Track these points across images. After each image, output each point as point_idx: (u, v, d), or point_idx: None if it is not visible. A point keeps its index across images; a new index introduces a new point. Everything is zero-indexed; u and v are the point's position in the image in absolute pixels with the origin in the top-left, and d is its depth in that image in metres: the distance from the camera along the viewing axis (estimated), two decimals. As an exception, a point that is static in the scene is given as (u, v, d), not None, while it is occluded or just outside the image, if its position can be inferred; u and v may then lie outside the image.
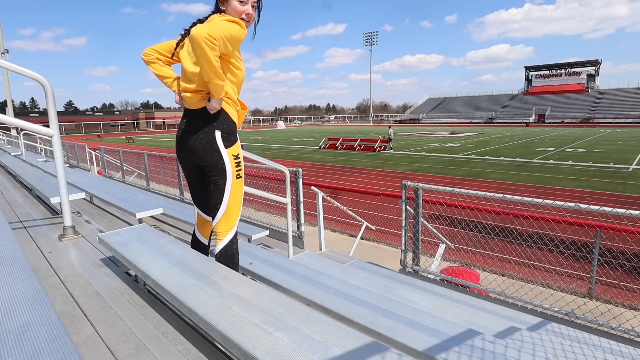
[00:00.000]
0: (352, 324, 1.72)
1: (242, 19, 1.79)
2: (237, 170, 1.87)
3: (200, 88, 1.78)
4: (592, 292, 4.34)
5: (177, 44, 1.92)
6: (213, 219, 1.96)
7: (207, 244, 2.22)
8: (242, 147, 2.00)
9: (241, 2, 1.79)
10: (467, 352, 1.47)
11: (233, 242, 1.96)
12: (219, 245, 1.93)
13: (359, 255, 5.43)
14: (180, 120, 1.97)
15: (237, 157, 1.87)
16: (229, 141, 1.83)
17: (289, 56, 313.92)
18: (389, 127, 27.42)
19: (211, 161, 1.82)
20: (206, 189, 1.98)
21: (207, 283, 1.68)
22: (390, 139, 24.31)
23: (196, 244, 2.21)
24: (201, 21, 1.85)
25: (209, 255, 2.23)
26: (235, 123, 1.89)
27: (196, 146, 1.81)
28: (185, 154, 1.91)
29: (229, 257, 1.94)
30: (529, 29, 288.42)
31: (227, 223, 1.92)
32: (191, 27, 1.85)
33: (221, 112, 1.82)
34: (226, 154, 1.82)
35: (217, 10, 1.85)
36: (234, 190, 1.88)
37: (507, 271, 5.18)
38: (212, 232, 2.15)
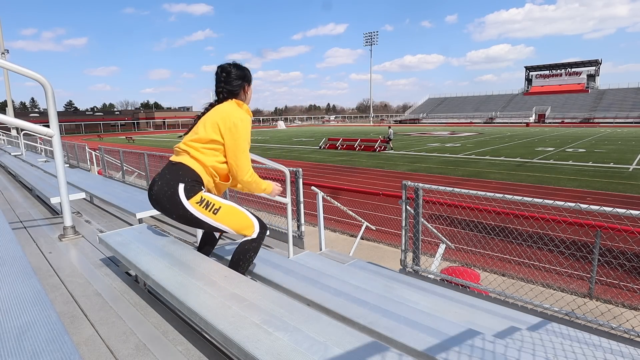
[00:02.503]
0: (352, 324, 1.72)
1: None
2: (209, 210, 1.90)
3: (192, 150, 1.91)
4: (592, 292, 4.33)
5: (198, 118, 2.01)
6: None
7: (216, 237, 2.30)
8: None
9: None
10: (467, 352, 1.47)
11: (257, 240, 2.02)
12: (241, 240, 2.02)
13: (359, 255, 5.43)
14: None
15: (201, 201, 1.89)
16: (192, 192, 1.87)
17: (290, 56, 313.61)
18: (389, 127, 27.51)
19: (179, 214, 1.88)
20: (205, 227, 2.04)
21: (207, 283, 1.68)
22: (390, 139, 24.37)
23: (206, 236, 2.29)
24: (212, 105, 2.00)
25: (211, 253, 2.30)
26: (201, 181, 1.92)
27: (161, 198, 1.88)
28: (155, 206, 1.95)
29: (251, 247, 2.00)
30: (530, 29, 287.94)
31: (245, 234, 1.99)
32: (209, 107, 1.99)
33: (188, 168, 1.88)
34: (189, 204, 1.86)
35: (232, 96, 2.00)
36: (222, 220, 1.92)
37: (507, 271, 5.18)
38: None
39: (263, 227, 2.03)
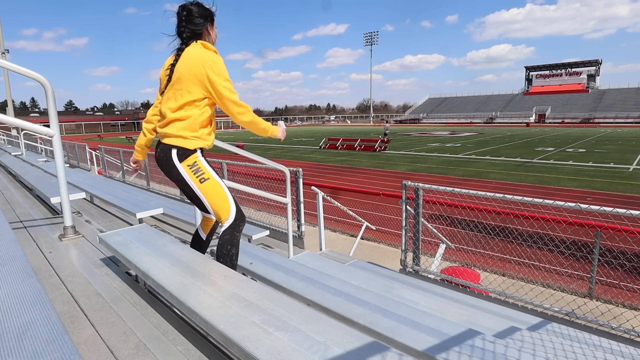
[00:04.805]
0: (353, 324, 1.72)
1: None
2: (198, 177, 1.95)
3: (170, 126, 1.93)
4: (592, 292, 4.33)
5: (166, 85, 1.96)
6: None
7: (204, 238, 2.28)
8: (242, 147, 2.03)
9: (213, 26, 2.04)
10: (468, 352, 1.47)
11: (230, 230, 2.02)
12: (221, 229, 2.05)
13: (359, 255, 5.43)
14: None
15: (193, 165, 1.95)
16: (184, 156, 1.94)
17: (290, 56, 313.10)
18: (386, 121, 28.31)
19: (172, 175, 1.97)
20: (189, 194, 2.13)
21: (207, 283, 1.68)
22: (386, 133, 25.06)
23: (196, 238, 2.29)
24: (180, 50, 1.93)
25: (207, 251, 2.29)
26: (187, 148, 1.94)
27: (160, 164, 1.99)
28: (160, 169, 2.05)
29: (225, 240, 2.02)
30: (530, 29, 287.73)
31: (220, 216, 2.02)
32: (177, 54, 1.94)
33: (176, 138, 1.92)
34: (181, 167, 1.93)
35: (196, 37, 1.95)
36: (205, 192, 1.97)
37: (507, 271, 5.18)
38: (211, 229, 2.27)
39: (240, 218, 2.02)
